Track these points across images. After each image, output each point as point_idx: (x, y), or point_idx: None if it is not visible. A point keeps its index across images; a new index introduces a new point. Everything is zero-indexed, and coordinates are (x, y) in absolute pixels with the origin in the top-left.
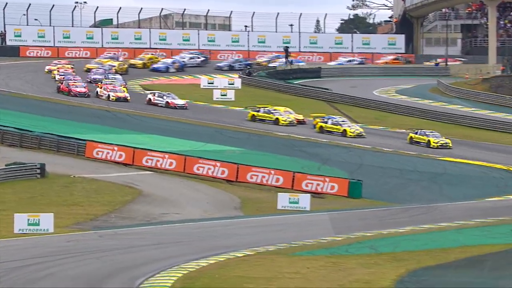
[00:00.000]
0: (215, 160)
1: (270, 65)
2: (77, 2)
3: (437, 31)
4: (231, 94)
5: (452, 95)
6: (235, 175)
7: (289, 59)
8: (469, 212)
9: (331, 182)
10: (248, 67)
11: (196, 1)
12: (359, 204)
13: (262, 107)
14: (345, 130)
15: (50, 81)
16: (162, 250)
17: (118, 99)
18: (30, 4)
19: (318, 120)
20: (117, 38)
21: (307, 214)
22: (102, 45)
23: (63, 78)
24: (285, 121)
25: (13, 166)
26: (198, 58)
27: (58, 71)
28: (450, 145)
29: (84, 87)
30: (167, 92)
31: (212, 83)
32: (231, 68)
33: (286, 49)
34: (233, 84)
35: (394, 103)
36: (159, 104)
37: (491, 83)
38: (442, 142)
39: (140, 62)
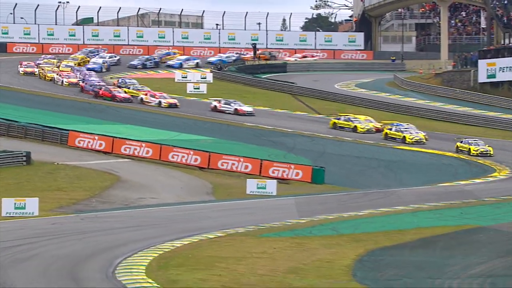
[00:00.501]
0: (189, 148)
1: (168, 62)
2: (60, 2)
3: (393, 30)
4: (203, 88)
5: (408, 88)
6: (207, 163)
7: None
8: (423, 196)
9: (296, 169)
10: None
11: (171, 1)
12: (322, 189)
13: (343, 115)
14: (404, 137)
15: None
16: (140, 232)
17: (170, 106)
18: (16, 4)
19: (386, 127)
20: (97, 35)
21: (274, 198)
22: (84, 42)
23: (83, 81)
24: (363, 128)
25: (0, 154)
26: (115, 57)
27: (59, 74)
28: (492, 152)
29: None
30: (232, 100)
31: (186, 77)
32: (144, 66)
33: (254, 45)
34: (205, 78)
35: (359, 97)
36: (227, 111)
37: (443, 78)
38: (482, 150)
39: (75, 62)
